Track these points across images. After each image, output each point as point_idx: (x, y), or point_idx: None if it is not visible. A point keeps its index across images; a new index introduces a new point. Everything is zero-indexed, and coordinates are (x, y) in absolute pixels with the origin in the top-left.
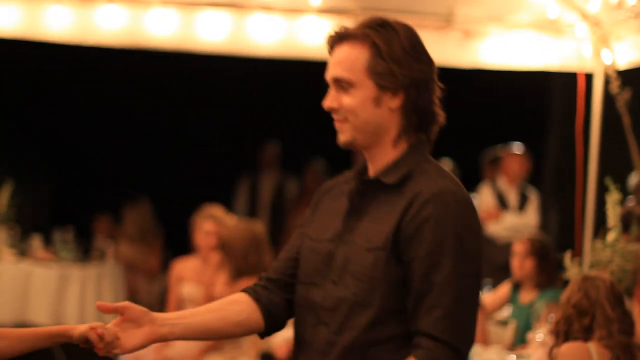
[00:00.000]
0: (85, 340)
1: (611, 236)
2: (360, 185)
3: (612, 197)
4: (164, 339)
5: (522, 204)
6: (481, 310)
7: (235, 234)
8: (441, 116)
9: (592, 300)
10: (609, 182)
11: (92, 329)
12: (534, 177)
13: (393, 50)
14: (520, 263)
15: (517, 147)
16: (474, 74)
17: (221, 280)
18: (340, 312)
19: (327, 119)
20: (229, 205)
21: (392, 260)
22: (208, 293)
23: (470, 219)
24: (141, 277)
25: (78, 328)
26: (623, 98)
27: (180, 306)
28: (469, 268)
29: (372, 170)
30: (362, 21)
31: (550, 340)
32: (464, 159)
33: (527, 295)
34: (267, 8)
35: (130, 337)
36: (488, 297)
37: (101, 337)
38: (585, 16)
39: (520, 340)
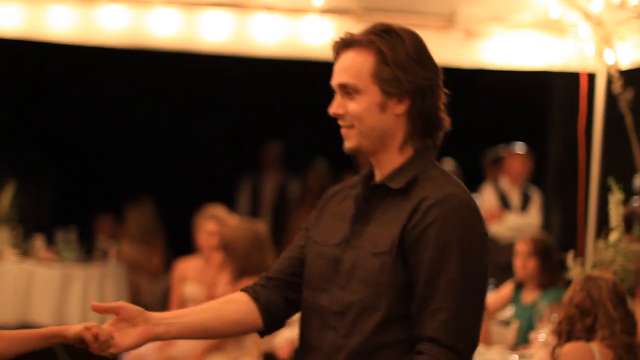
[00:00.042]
0: (80, 340)
1: (614, 236)
2: (367, 190)
3: (615, 197)
4: (160, 338)
5: (525, 204)
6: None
7: (238, 234)
8: (447, 121)
9: (595, 300)
10: (611, 182)
11: (87, 329)
12: (536, 177)
13: (398, 56)
14: (523, 263)
15: (520, 147)
16: (476, 74)
17: (223, 280)
18: (348, 316)
19: (329, 119)
20: (231, 206)
21: (399, 264)
22: (210, 293)
23: (475, 223)
24: (144, 277)
25: (73, 328)
26: (625, 98)
27: (182, 306)
28: (474, 272)
29: (379, 176)
30: (367, 28)
31: (552, 340)
32: (466, 159)
33: (529, 295)
34: (270, 8)
35: (125, 336)
36: (490, 297)
37: (96, 337)
38: (587, 16)
39: (522, 340)
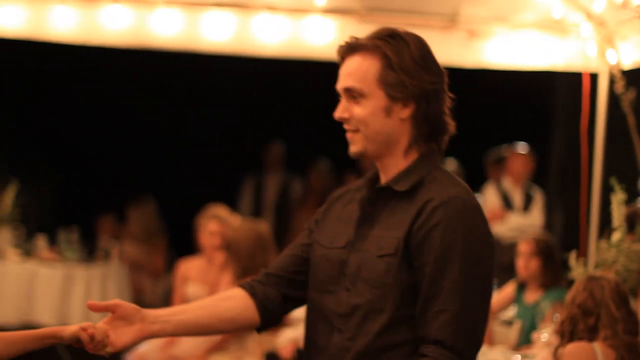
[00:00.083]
0: (77, 340)
1: (616, 236)
2: (372, 193)
3: (617, 197)
4: (155, 335)
5: (527, 204)
6: None
7: (241, 234)
8: (452, 126)
9: (597, 300)
10: (613, 182)
11: (83, 329)
12: (539, 177)
13: (403, 61)
14: (525, 263)
15: (522, 147)
16: (478, 74)
17: (226, 280)
18: (354, 318)
19: (331, 119)
20: (233, 206)
21: (404, 266)
22: (213, 293)
23: (479, 225)
24: (146, 277)
25: (68, 329)
26: (628, 98)
27: None
28: (478, 274)
29: (384, 180)
30: (373, 32)
31: (555, 340)
32: (468, 159)
33: (532, 295)
34: (272, 8)
35: (121, 334)
36: (493, 297)
37: (92, 337)
38: (590, 16)
39: (525, 340)
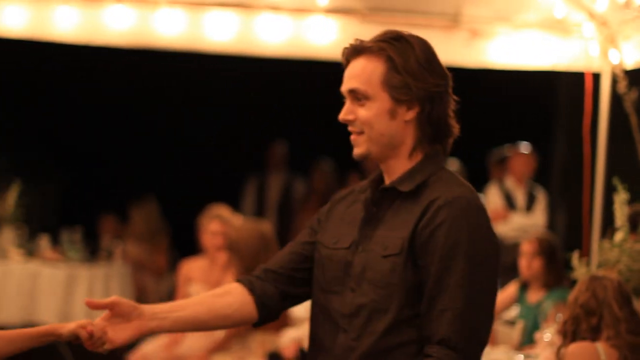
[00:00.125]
0: (75, 338)
1: (619, 236)
2: (376, 193)
3: (620, 197)
4: (153, 332)
5: (530, 203)
6: None
7: (244, 233)
8: (456, 128)
9: (600, 300)
10: (616, 181)
11: (82, 326)
12: (541, 177)
13: (408, 63)
14: (528, 263)
15: (525, 147)
16: (481, 74)
17: (229, 280)
18: (359, 318)
19: (334, 119)
20: (236, 206)
21: (409, 266)
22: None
23: (484, 225)
24: (149, 277)
25: (67, 326)
26: (630, 98)
27: None
28: (482, 273)
29: (388, 181)
30: (377, 35)
31: (557, 340)
32: (471, 159)
33: (534, 295)
34: (275, 8)
35: (119, 331)
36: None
37: (91, 335)
38: (592, 16)
39: (527, 340)
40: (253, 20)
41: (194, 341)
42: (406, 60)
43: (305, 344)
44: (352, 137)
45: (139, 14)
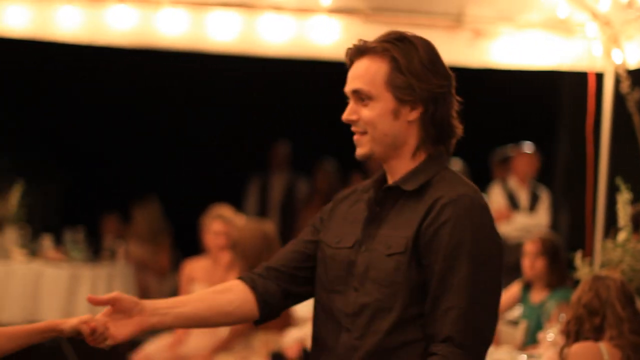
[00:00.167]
0: (77, 333)
1: (622, 236)
2: (380, 193)
3: (623, 197)
4: (154, 328)
5: (533, 203)
6: None
7: (247, 233)
8: (459, 129)
9: (603, 300)
10: (619, 181)
11: (84, 322)
12: (544, 177)
13: (412, 64)
14: (531, 263)
15: (528, 147)
16: (484, 74)
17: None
18: (363, 317)
19: (337, 119)
20: (239, 206)
21: (413, 264)
22: None
23: (488, 224)
24: (152, 277)
25: (69, 322)
26: (633, 97)
27: None
28: (486, 272)
29: (391, 181)
30: (381, 35)
31: (561, 340)
32: (474, 158)
33: (537, 295)
34: (277, 8)
35: (121, 327)
36: None
37: (93, 330)
38: (595, 16)
39: (531, 340)
40: (256, 20)
41: (198, 341)
42: (410, 61)
43: (308, 343)
44: (355, 137)
45: (141, 13)
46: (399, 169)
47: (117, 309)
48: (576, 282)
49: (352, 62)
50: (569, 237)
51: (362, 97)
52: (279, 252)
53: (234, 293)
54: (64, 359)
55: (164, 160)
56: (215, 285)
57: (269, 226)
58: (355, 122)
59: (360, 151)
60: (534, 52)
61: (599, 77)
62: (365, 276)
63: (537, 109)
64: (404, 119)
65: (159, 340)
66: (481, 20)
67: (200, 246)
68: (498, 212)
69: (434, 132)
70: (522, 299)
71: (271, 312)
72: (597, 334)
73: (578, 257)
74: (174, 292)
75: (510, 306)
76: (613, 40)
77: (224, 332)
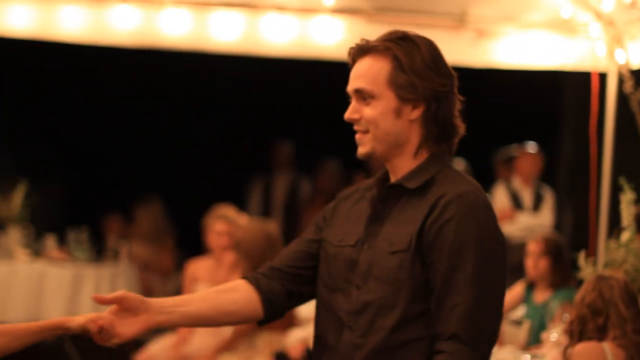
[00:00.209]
0: (84, 331)
1: (625, 236)
2: (383, 191)
3: (626, 197)
4: (160, 326)
5: (537, 203)
6: None
7: (250, 233)
8: (461, 128)
9: (606, 300)
10: (623, 181)
11: (92, 321)
12: (548, 177)
13: (414, 63)
14: (535, 263)
15: (531, 147)
16: (487, 74)
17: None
18: (366, 315)
19: (340, 119)
20: (242, 206)
21: (417, 262)
22: None
23: (491, 222)
24: (155, 277)
25: (76, 320)
26: (637, 97)
27: None
28: (491, 269)
29: (394, 180)
30: (384, 34)
31: (564, 340)
32: (477, 158)
33: (541, 295)
34: (280, 8)
35: (127, 325)
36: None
37: (101, 329)
38: (599, 16)
39: (534, 340)
40: (259, 20)
41: (201, 341)
42: (412, 59)
43: (312, 344)
44: (357, 136)
45: (144, 14)
46: (401, 167)
47: (123, 307)
48: (579, 282)
49: (354, 61)
50: (573, 237)
51: (364, 96)
52: (282, 252)
53: (239, 293)
54: (67, 358)
55: (167, 160)
56: (218, 285)
57: (272, 226)
58: (357, 121)
59: (362, 150)
60: (538, 52)
61: (603, 77)
62: (368, 274)
63: (540, 109)
64: (406, 117)
65: (163, 340)
66: (484, 20)
67: (203, 246)
68: (502, 212)
69: (436, 131)
70: (526, 299)
71: (275, 312)
72: (600, 334)
73: (581, 257)
74: (178, 292)
75: (514, 306)
76: (616, 40)
77: (227, 331)
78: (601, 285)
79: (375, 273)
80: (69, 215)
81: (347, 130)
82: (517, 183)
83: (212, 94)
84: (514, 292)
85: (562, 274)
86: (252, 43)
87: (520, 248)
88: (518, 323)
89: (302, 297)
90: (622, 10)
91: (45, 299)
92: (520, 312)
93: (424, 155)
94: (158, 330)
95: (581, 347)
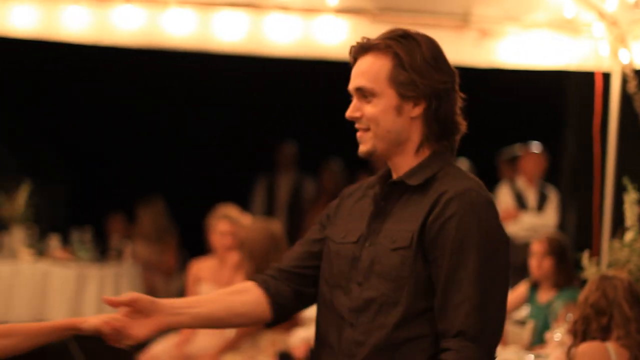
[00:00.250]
0: (97, 333)
1: (629, 236)
2: (385, 188)
3: (630, 197)
4: (173, 327)
5: (541, 203)
6: None
7: (254, 233)
8: (463, 125)
9: (610, 300)
10: (626, 181)
11: (105, 322)
12: (551, 177)
13: (414, 60)
14: (538, 263)
15: (536, 147)
16: (490, 74)
17: (239, 280)
18: (367, 312)
19: (343, 119)
20: (246, 206)
21: (419, 258)
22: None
23: (493, 218)
24: (159, 277)
25: (89, 321)
26: None
27: None
28: (494, 265)
29: (396, 177)
30: (385, 32)
31: (568, 340)
32: (481, 158)
33: (545, 295)
34: (284, 8)
35: (140, 326)
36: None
37: (116, 330)
38: (602, 15)
39: (538, 340)
40: (263, 20)
41: (205, 340)
42: (413, 57)
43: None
44: (358, 134)
45: (148, 14)
46: (403, 165)
47: (135, 309)
48: (583, 282)
49: (355, 59)
50: (576, 237)
51: (365, 94)
52: (288, 253)
53: (248, 294)
54: (71, 358)
55: (170, 160)
56: (222, 285)
57: (276, 226)
58: (358, 119)
59: (363, 148)
60: (541, 52)
61: (606, 77)
62: (370, 271)
63: (543, 109)
64: (406, 115)
65: (166, 339)
66: (488, 20)
67: (206, 246)
68: (506, 212)
69: (437, 128)
70: (530, 298)
71: (283, 314)
72: (604, 334)
73: (585, 257)
74: (181, 291)
75: (518, 306)
76: (620, 40)
77: (231, 331)
78: (605, 285)
79: (377, 270)
80: (73, 215)
81: (351, 130)
82: (522, 183)
83: (215, 93)
84: (517, 292)
85: (566, 274)
86: (256, 43)
87: (524, 248)
88: (522, 323)
89: (310, 298)
90: (626, 10)
91: (48, 299)
92: (524, 312)
93: (425, 153)
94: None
95: (585, 347)
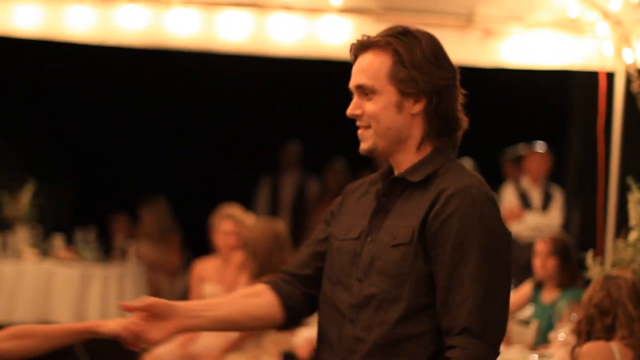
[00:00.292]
0: (115, 337)
1: (633, 235)
2: (386, 184)
3: (634, 196)
4: (190, 330)
5: (546, 203)
6: None
7: (258, 233)
8: (464, 121)
9: (614, 300)
10: (630, 181)
11: (124, 327)
12: (556, 177)
13: (415, 57)
14: (542, 263)
15: (540, 146)
16: (494, 73)
17: (243, 280)
18: (368, 308)
19: (347, 119)
20: (249, 205)
21: (419, 255)
22: (229, 293)
23: (495, 214)
24: (163, 276)
25: (108, 325)
26: None
27: None
28: (496, 261)
29: (397, 174)
30: (385, 30)
31: (572, 340)
32: (485, 158)
33: (549, 295)
34: (288, 8)
35: (158, 330)
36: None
37: (136, 335)
38: (606, 15)
39: (542, 340)
40: (266, 20)
41: (209, 340)
42: (413, 54)
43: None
44: (360, 131)
45: (152, 13)
46: (404, 162)
47: (151, 313)
48: (587, 282)
49: (355, 57)
50: (580, 237)
51: (365, 91)
52: (297, 255)
53: (262, 297)
54: (76, 359)
55: (174, 159)
56: (226, 285)
57: (280, 226)
58: (359, 116)
59: (364, 146)
60: (545, 51)
61: (610, 76)
62: (370, 267)
63: (547, 108)
64: (407, 112)
65: (170, 340)
66: (491, 20)
67: (210, 246)
68: (510, 212)
69: (438, 125)
70: (533, 298)
71: (295, 317)
72: (608, 334)
73: (589, 257)
74: (185, 291)
75: (522, 306)
76: (624, 40)
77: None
78: (609, 285)
79: (377, 266)
80: (77, 215)
81: (354, 130)
82: (526, 182)
83: (219, 93)
84: (521, 292)
85: (570, 273)
86: (260, 43)
87: (528, 248)
88: (526, 323)
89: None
90: (630, 10)
91: (53, 299)
92: (528, 311)
93: (427, 150)
94: None
95: (589, 347)
